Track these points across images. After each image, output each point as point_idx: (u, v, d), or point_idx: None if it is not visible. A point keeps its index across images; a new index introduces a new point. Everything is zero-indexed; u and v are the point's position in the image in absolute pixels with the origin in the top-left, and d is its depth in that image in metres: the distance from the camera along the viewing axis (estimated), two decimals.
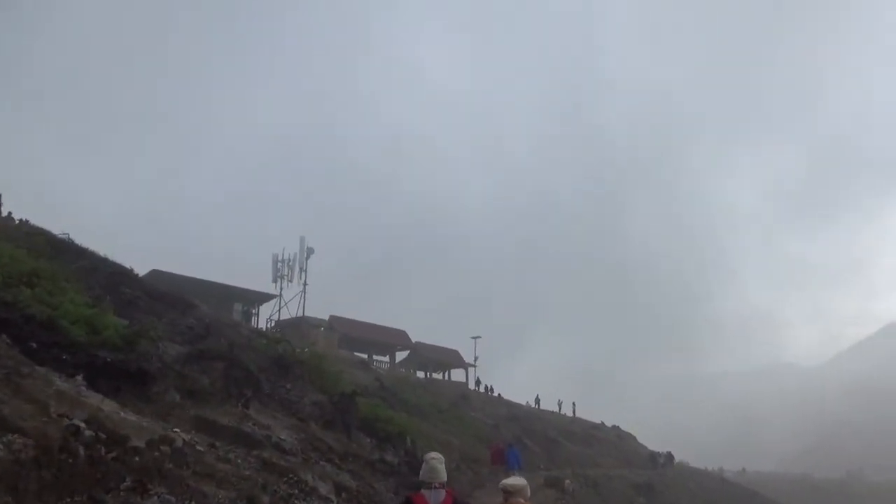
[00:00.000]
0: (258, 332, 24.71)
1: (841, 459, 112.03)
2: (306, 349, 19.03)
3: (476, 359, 58.88)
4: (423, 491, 4.98)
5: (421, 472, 5.12)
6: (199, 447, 6.86)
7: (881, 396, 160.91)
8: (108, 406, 6.19)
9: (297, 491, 7.77)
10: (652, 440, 63.85)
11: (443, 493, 4.95)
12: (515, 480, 5.55)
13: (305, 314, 46.82)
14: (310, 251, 50.27)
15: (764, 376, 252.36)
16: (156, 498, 4.97)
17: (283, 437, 10.76)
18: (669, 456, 48.65)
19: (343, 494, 9.63)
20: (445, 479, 5.07)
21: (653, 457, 47.41)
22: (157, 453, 5.82)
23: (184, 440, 6.58)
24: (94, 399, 6.25)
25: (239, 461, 7.70)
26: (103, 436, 5.42)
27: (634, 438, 60.42)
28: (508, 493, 5.26)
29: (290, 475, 8.11)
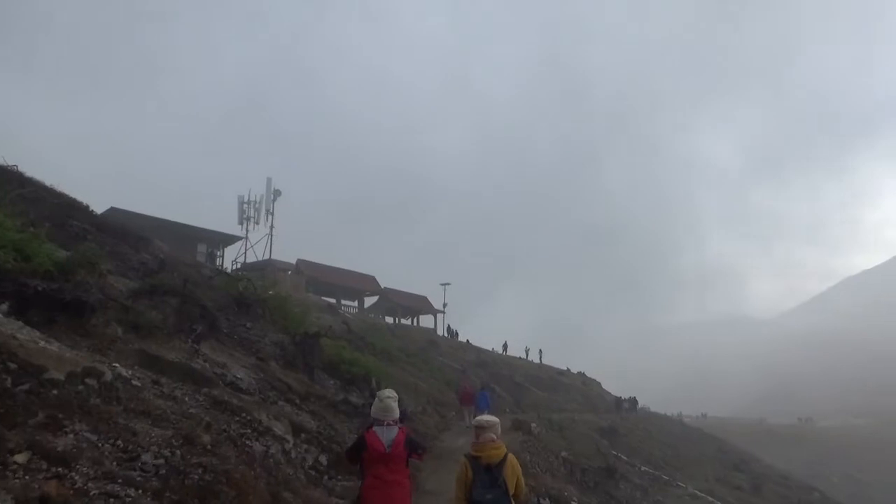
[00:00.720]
0: (219, 270, 23.70)
1: (793, 406, 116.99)
2: (270, 291, 18.26)
3: (445, 305, 58.90)
4: (375, 428, 4.95)
5: (373, 409, 5.10)
6: (135, 382, 6.17)
7: (833, 348, 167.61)
8: (26, 335, 5.43)
9: (249, 430, 7.18)
10: (616, 387, 65.45)
11: (395, 430, 4.94)
12: (489, 417, 5.57)
13: (272, 257, 45.82)
14: (277, 193, 49.00)
15: (723, 327, 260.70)
16: (72, 436, 4.30)
17: (239, 377, 10.14)
18: (633, 401, 49.82)
19: (302, 435, 9.12)
20: (398, 416, 5.08)
21: (618, 402, 48.46)
22: (80, 387, 5.13)
23: (116, 374, 5.88)
24: (10, 326, 5.48)
25: (186, 399, 7.06)
26: (13, 366, 4.70)
27: (599, 384, 61.74)
28: (482, 428, 5.29)
29: (243, 414, 7.51)
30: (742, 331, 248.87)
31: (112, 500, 3.88)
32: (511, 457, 5.34)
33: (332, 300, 48.79)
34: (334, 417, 11.78)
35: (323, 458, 8.78)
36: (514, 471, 5.27)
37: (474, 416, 21.62)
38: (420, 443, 5.34)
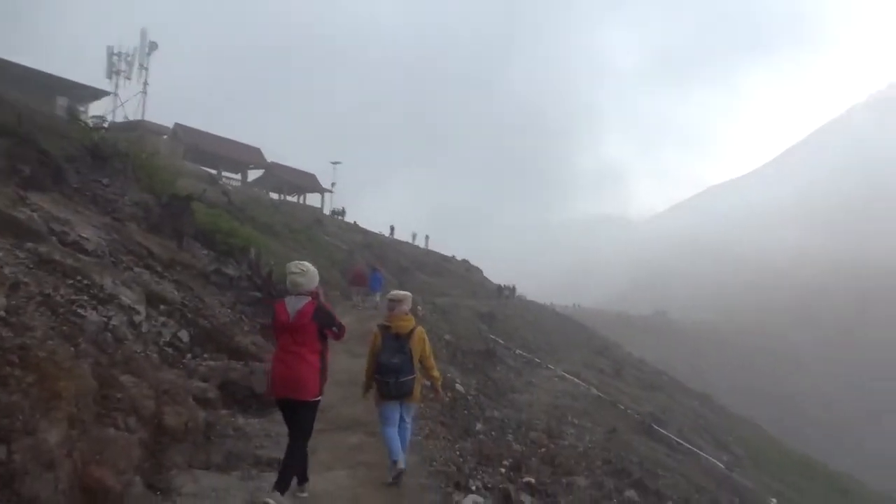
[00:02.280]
0: (75, 118, 20.51)
1: (654, 301, 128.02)
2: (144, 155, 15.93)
3: (334, 185, 57.00)
4: (285, 298, 4.91)
5: (287, 282, 5.01)
6: None
7: (694, 249, 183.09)
8: None
9: (85, 297, 5.94)
10: (499, 275, 67.77)
11: (304, 299, 4.82)
12: (403, 292, 6.02)
13: (145, 119, 41.49)
14: (152, 46, 43.89)
15: (603, 225, 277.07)
16: None
17: (85, 236, 8.62)
18: (512, 289, 51.75)
19: (161, 307, 7.95)
20: (309, 288, 4.91)
21: (499, 289, 50.16)
22: None
23: None
24: None
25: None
26: None
27: (481, 272, 63.50)
28: (397, 301, 5.78)
29: (78, 277, 6.20)
30: (619, 229, 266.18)
31: None
32: (419, 329, 5.83)
33: (213, 171, 45.53)
34: (204, 289, 10.61)
35: (184, 334, 7.72)
36: (420, 341, 5.78)
37: (365, 297, 21.85)
38: (333, 317, 5.03)
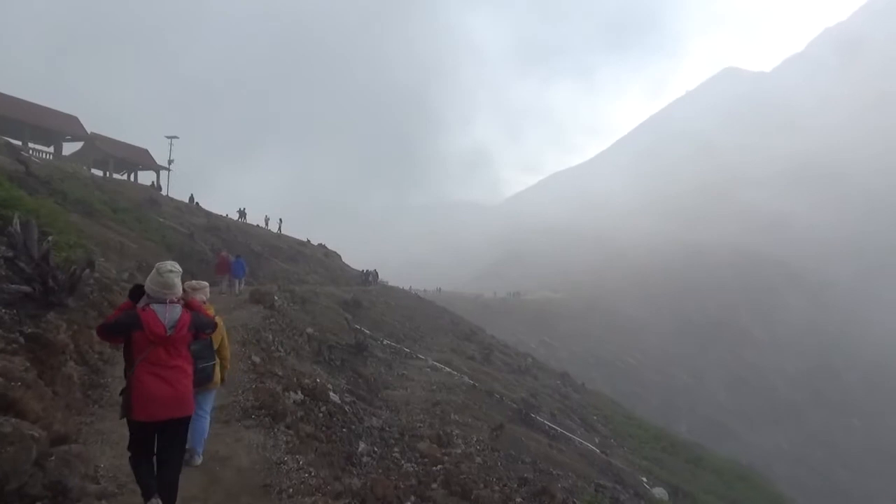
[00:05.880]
0: None
1: (506, 283, 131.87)
2: None
3: (171, 162, 50.57)
4: (153, 306, 4.28)
5: (149, 283, 4.35)
6: None
7: (540, 232, 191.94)
8: None
9: None
10: (357, 261, 64.93)
11: (178, 309, 4.36)
12: (200, 281, 5.92)
13: None
14: None
15: (460, 209, 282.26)
16: None
17: None
18: (375, 274, 49.23)
19: None
20: (181, 293, 4.49)
21: (364, 275, 47.46)
22: None
23: None
24: None
25: None
26: None
27: (340, 257, 60.36)
28: (194, 290, 5.56)
29: None
30: (476, 212, 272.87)
31: None
32: (218, 318, 5.61)
33: (18, 142, 38.09)
34: None
35: None
36: (219, 330, 5.70)
37: (230, 284, 20.58)
38: (207, 322, 4.67)
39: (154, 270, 4.37)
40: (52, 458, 4.18)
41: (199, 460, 5.78)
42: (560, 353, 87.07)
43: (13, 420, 3.96)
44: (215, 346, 5.67)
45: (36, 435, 4.03)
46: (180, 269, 4.45)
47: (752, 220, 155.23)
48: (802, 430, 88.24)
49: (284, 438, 6.84)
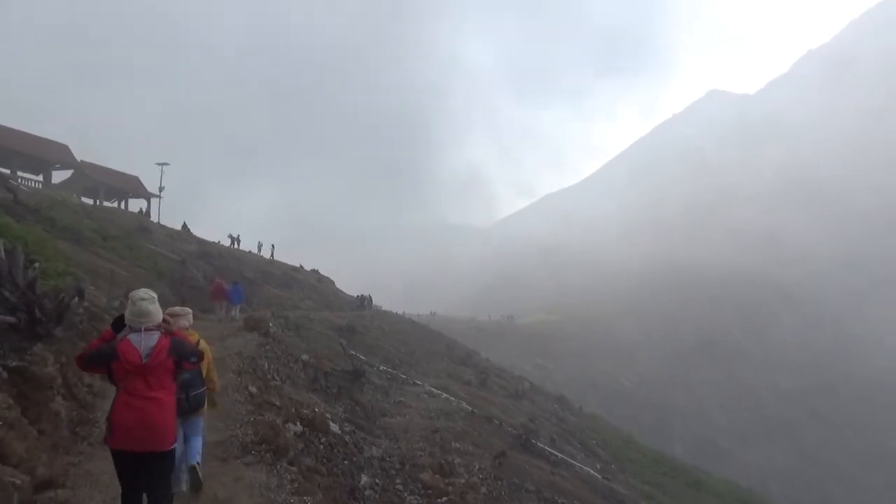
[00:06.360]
0: None
1: (499, 306, 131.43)
2: None
3: (162, 189, 50.22)
4: (130, 335, 4.19)
5: (126, 313, 4.28)
6: None
7: (533, 254, 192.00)
8: None
9: None
10: (350, 286, 64.45)
11: (155, 337, 4.24)
12: (182, 307, 5.82)
13: None
14: None
15: (453, 232, 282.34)
16: None
17: None
18: (369, 299, 48.83)
19: None
20: (160, 320, 4.37)
21: (360, 300, 47.10)
22: None
23: None
24: None
25: None
26: None
27: (333, 282, 59.89)
28: (176, 316, 5.48)
29: None
30: (468, 235, 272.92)
31: None
32: (203, 342, 5.74)
33: (7, 171, 37.69)
34: None
35: None
36: (205, 356, 5.59)
37: (228, 310, 23.65)
38: (191, 349, 4.56)
39: (129, 300, 4.29)
40: None
41: (199, 472, 5.84)
42: (555, 376, 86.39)
43: None
44: (204, 371, 5.71)
45: (17, 482, 3.66)
46: (154, 296, 4.34)
47: (743, 237, 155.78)
48: (797, 447, 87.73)
49: (288, 477, 6.42)
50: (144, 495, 4.26)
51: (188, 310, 5.83)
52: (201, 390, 5.59)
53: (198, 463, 5.71)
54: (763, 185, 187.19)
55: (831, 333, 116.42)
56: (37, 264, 7.48)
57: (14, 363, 5.56)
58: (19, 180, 37.13)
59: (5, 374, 5.36)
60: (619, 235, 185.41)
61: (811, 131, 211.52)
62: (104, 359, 4.08)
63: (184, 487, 5.66)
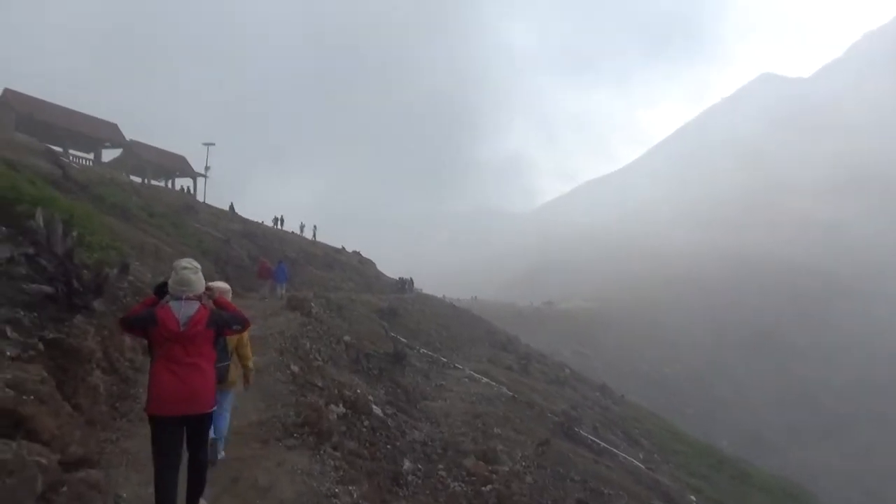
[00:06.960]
0: None
1: (539, 292, 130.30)
2: None
3: (208, 168, 50.89)
4: (171, 303, 4.23)
5: (170, 281, 4.31)
6: None
7: (574, 240, 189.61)
8: None
9: None
10: (391, 268, 64.57)
11: (195, 306, 4.25)
12: (220, 283, 5.43)
13: None
14: None
15: (494, 217, 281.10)
16: None
17: None
18: (411, 281, 48.73)
19: None
20: (202, 290, 4.39)
21: (401, 282, 47.04)
22: None
23: None
24: None
25: None
26: None
27: (374, 265, 59.99)
28: (213, 291, 4.99)
29: None
30: (508, 220, 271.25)
31: None
32: None
33: (59, 149, 38.62)
34: None
35: None
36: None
37: (273, 289, 24.42)
38: (232, 317, 4.51)
39: (174, 270, 4.35)
40: (64, 488, 3.53)
41: (222, 455, 5.89)
42: (594, 363, 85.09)
43: (14, 444, 3.31)
44: (231, 346, 5.67)
45: (44, 462, 3.38)
46: (197, 266, 4.36)
47: (798, 228, 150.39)
48: (850, 445, 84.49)
49: (332, 463, 6.09)
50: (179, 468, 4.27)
51: (226, 288, 5.57)
52: (224, 364, 5.50)
53: (214, 438, 5.56)
54: (821, 174, 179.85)
55: (889, 328, 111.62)
56: (75, 232, 7.29)
57: (51, 335, 5.34)
58: (70, 158, 37.97)
59: (41, 346, 5.14)
60: (665, 223, 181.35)
61: (871, 117, 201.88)
62: (143, 323, 4.14)
63: (220, 455, 5.72)
